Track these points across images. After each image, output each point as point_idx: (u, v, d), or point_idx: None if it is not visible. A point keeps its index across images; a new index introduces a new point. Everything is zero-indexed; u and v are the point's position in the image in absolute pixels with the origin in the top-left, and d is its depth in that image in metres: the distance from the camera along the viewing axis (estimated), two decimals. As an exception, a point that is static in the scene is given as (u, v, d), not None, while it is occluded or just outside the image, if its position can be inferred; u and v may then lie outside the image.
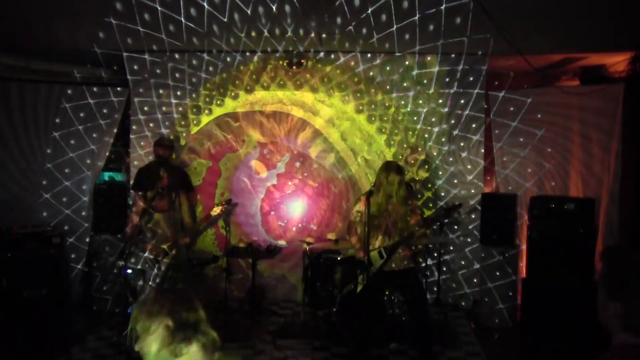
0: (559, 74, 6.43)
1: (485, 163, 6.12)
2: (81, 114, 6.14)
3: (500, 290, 5.62)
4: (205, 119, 6.38)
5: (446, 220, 5.74)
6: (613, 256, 1.56)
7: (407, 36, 5.08)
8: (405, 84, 6.13)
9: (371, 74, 6.13)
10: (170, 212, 4.55)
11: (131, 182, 6.22)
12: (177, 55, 6.11)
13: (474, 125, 6.07)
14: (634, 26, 4.73)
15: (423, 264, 6.11)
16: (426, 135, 6.20)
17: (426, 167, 6.21)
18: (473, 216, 6.09)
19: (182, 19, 4.69)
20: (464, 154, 6.13)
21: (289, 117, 6.34)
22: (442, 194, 6.21)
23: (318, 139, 6.34)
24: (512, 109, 5.93)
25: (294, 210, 6.39)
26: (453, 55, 5.90)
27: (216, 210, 4.77)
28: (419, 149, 6.22)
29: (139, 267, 4.48)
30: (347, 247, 5.55)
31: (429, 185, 6.22)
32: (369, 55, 6.04)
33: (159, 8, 4.43)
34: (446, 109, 6.12)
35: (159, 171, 4.50)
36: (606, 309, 1.52)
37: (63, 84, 6.18)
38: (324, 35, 5.34)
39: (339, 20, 4.71)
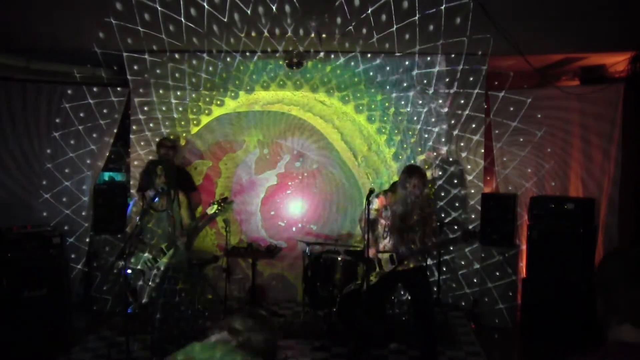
0: (559, 74, 6.43)
1: (485, 163, 6.12)
2: (81, 114, 6.14)
3: (500, 290, 5.62)
4: (205, 119, 6.38)
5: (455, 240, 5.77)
6: (603, 258, 1.62)
7: (407, 36, 5.08)
8: (405, 84, 6.13)
9: (371, 74, 6.13)
10: (169, 211, 4.54)
11: (131, 182, 6.26)
12: (177, 55, 6.11)
13: (474, 125, 6.08)
14: (634, 26, 4.73)
15: (423, 264, 6.10)
16: (426, 135, 6.20)
17: (426, 167, 6.21)
18: (473, 216, 6.09)
19: (182, 19, 4.69)
20: (464, 154, 6.13)
21: (289, 117, 6.34)
22: (442, 194, 6.21)
23: (318, 139, 6.35)
24: (512, 109, 5.93)
25: (294, 210, 6.39)
26: (453, 55, 5.89)
27: (212, 209, 4.78)
28: (419, 149, 6.22)
29: (138, 267, 4.47)
30: (347, 247, 5.56)
31: (429, 185, 6.21)
32: (369, 55, 6.04)
33: (159, 8, 4.43)
34: (446, 109, 6.13)
35: (157, 169, 4.49)
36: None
37: (63, 84, 6.17)
38: (324, 35, 5.34)
39: (339, 20, 4.71)
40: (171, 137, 6.14)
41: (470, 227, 5.94)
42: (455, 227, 6.13)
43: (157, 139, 6.06)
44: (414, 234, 4.17)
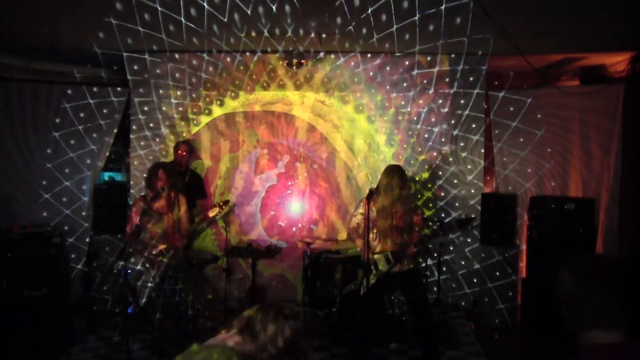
0: (559, 74, 6.43)
1: (485, 163, 6.12)
2: (81, 114, 6.14)
3: (500, 290, 5.62)
4: (205, 119, 6.38)
5: (457, 233, 5.78)
6: (559, 271, 1.65)
7: (407, 36, 5.08)
8: (405, 84, 6.13)
9: (371, 74, 6.13)
10: (169, 213, 4.55)
11: (131, 182, 6.26)
12: (177, 55, 6.11)
13: (474, 125, 6.08)
14: (634, 26, 4.73)
15: (423, 264, 6.11)
16: (426, 135, 6.20)
17: (426, 167, 6.21)
18: (473, 216, 6.08)
19: (182, 19, 4.69)
20: (464, 154, 6.13)
21: (289, 117, 6.34)
22: (442, 194, 6.21)
23: (318, 139, 6.34)
24: (512, 109, 5.93)
25: (294, 210, 6.39)
26: (453, 55, 5.90)
27: (214, 211, 4.79)
28: (419, 149, 6.22)
29: (138, 267, 4.46)
30: (348, 247, 5.56)
31: (429, 185, 6.22)
32: (369, 55, 6.04)
33: (159, 8, 4.42)
34: (446, 109, 6.12)
35: (158, 172, 4.50)
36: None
37: (63, 84, 6.18)
38: (324, 35, 5.34)
39: (339, 20, 4.70)
40: (181, 139, 6.14)
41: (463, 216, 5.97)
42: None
43: (171, 141, 6.13)
44: (401, 231, 4.19)
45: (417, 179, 6.21)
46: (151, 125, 6.31)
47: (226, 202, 4.93)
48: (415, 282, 4.33)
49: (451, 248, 6.19)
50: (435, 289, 5.96)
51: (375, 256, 4.24)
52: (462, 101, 6.06)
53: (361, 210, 4.37)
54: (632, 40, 5.23)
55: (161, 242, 4.52)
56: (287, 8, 4.41)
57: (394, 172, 4.28)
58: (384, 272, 4.21)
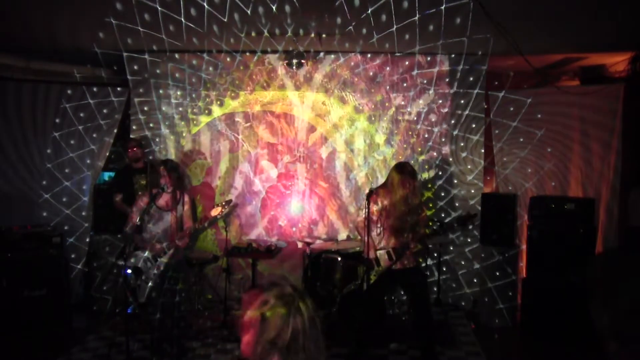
0: (559, 74, 6.44)
1: (485, 163, 6.12)
2: (81, 114, 6.14)
3: (500, 290, 5.62)
4: (205, 119, 6.38)
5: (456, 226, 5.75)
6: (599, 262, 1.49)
7: (407, 36, 5.08)
8: (405, 84, 6.13)
9: (371, 74, 6.13)
10: (173, 211, 4.54)
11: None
12: (177, 55, 6.11)
13: (474, 125, 6.08)
14: (634, 26, 4.73)
15: (423, 264, 6.11)
16: (426, 135, 6.20)
17: (426, 167, 6.21)
18: (474, 213, 6.08)
19: (182, 19, 4.69)
20: (464, 154, 6.13)
21: (289, 117, 6.34)
22: (442, 194, 6.21)
23: (318, 139, 6.35)
24: (512, 109, 5.93)
25: (294, 210, 6.39)
26: (453, 55, 5.90)
27: (216, 211, 4.77)
28: (419, 149, 6.22)
29: (138, 266, 4.46)
30: (348, 247, 5.55)
31: (429, 185, 6.22)
32: (369, 55, 6.04)
33: (159, 8, 4.42)
34: (446, 109, 6.12)
35: (160, 169, 4.49)
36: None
37: (63, 84, 6.18)
38: (324, 35, 5.34)
39: (339, 20, 4.71)
40: (135, 137, 6.13)
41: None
42: (455, 226, 6.12)
43: (170, 141, 6.16)
44: (406, 228, 4.19)
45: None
46: (151, 125, 6.31)
47: (229, 202, 4.90)
48: (416, 280, 4.33)
49: (451, 248, 6.19)
50: (435, 289, 5.96)
51: (378, 252, 4.24)
52: (462, 101, 6.06)
53: (374, 207, 4.35)
54: (632, 40, 5.23)
55: (162, 240, 4.52)
56: (287, 8, 4.41)
57: (399, 170, 4.27)
58: (385, 268, 4.21)
